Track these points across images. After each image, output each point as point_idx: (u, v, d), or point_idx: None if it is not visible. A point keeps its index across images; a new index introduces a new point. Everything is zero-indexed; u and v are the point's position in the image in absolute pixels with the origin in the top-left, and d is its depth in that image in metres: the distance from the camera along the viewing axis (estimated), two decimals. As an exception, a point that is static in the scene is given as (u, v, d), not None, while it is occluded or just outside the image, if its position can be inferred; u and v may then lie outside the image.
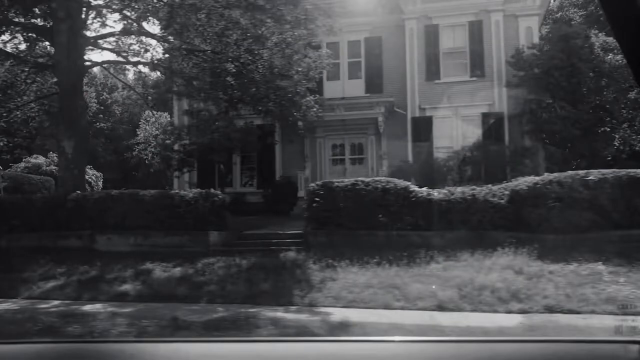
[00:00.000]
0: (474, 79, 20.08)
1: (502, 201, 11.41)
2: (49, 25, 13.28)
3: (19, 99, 14.81)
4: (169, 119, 22.11)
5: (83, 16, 13.28)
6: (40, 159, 37.33)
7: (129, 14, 12.99)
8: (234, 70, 12.90)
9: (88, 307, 8.88)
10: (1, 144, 20.01)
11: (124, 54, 15.35)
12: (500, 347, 1.78)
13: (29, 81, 13.90)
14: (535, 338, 2.41)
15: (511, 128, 19.63)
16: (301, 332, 6.92)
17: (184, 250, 12.24)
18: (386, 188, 11.83)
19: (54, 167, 35.85)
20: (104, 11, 13.32)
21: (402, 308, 8.39)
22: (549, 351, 1.72)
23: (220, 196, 12.98)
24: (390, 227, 11.67)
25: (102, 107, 41.90)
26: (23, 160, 37.00)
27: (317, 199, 12.18)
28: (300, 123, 20.75)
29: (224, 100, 13.68)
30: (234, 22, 12.58)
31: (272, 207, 19.82)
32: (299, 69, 13.75)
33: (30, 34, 13.62)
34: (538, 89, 18.27)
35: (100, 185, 39.82)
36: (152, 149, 25.06)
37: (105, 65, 17.42)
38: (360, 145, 21.75)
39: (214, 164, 21.68)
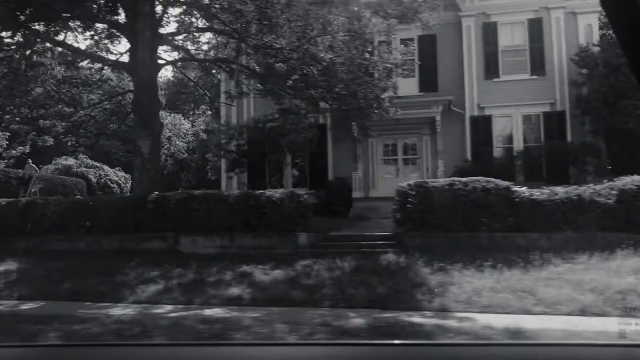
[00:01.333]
0: (534, 77, 19.69)
1: (609, 201, 11.01)
2: (125, 22, 12.92)
3: (92, 98, 14.44)
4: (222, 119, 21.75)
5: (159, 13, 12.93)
6: (70, 161, 37.07)
7: (213, 11, 12.57)
8: (318, 68, 12.52)
9: (209, 312, 8.50)
10: (69, 143, 19.57)
11: (195, 52, 14.95)
12: (503, 351, 1.75)
13: (102, 80, 13.50)
14: (539, 342, 2.48)
15: (573, 127, 19.22)
16: (472, 339, 6.54)
17: (272, 252, 11.86)
18: (486, 188, 11.45)
19: (84, 169, 35.64)
20: (185, 8, 12.90)
21: (544, 313, 8.00)
22: (553, 355, 1.69)
23: (305, 197, 12.61)
24: (492, 228, 11.28)
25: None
26: (53, 162, 36.76)
27: (410, 199, 11.80)
28: (353, 123, 20.49)
29: (305, 99, 13.25)
30: (320, 18, 12.23)
31: (328, 209, 19.38)
32: (386, 65, 13.40)
33: (111, 30, 13.24)
34: (604, 88, 17.87)
35: (129, 187, 39.58)
36: (203, 149, 24.66)
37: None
38: (413, 145, 21.36)
39: (265, 165, 21.34)
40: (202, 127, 35.79)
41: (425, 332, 6.89)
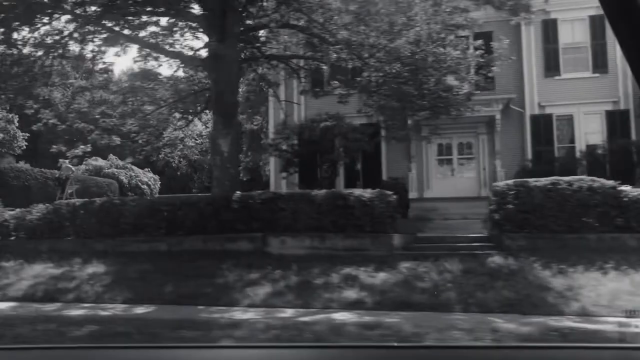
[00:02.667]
0: (597, 75, 19.28)
1: None
2: (205, 16, 12.51)
3: (173, 97, 14.04)
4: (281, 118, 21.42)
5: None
6: (101, 162, 36.79)
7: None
8: (406, 63, 12.14)
9: (338, 316, 8.12)
10: (140, 140, 19.20)
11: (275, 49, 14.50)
12: (502, 354, 1.73)
13: (185, 77, 13.08)
14: (538, 344, 2.44)
15: (638, 126, 18.82)
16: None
17: (366, 254, 11.47)
18: (592, 187, 11.04)
19: (115, 170, 35.35)
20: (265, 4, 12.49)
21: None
22: (553, 357, 1.68)
23: (393, 197, 12.23)
24: (598, 229, 10.87)
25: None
26: (84, 162, 36.49)
27: (510, 199, 11.40)
28: (409, 121, 20.11)
29: (399, 96, 12.86)
30: (404, 9, 11.86)
31: (385, 209, 19.05)
32: (478, 61, 13.04)
33: (188, 24, 12.84)
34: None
35: (158, 188, 39.30)
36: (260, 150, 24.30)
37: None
38: (468, 145, 20.95)
39: (316, 165, 20.95)
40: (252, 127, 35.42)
41: (610, 338, 6.49)
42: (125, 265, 11.40)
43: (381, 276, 10.11)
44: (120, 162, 37.22)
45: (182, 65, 13.68)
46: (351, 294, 9.27)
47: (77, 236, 13.18)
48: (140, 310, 8.88)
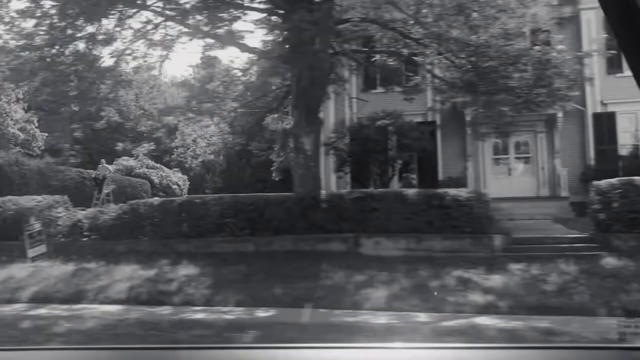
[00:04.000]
0: (661, 72, 18.82)
1: None
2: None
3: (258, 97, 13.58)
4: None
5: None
6: (131, 161, 36.47)
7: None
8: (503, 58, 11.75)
9: (483, 320, 7.71)
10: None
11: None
12: (502, 354, 1.74)
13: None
14: (538, 345, 2.55)
15: None
16: None
17: (466, 255, 11.10)
18: None
19: (145, 170, 35.01)
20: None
21: None
22: (553, 358, 1.64)
23: (489, 196, 11.84)
24: None
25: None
26: (114, 162, 36.16)
27: (616, 198, 11.00)
28: (467, 119, 19.74)
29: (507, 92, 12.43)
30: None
31: (444, 209, 18.66)
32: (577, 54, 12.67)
33: (269, 17, 12.43)
34: None
35: (187, 188, 38.95)
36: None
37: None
38: (525, 144, 20.54)
39: (369, 164, 20.54)
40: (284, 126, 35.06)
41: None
42: (218, 267, 11.03)
43: (496, 279, 9.71)
44: (151, 162, 36.86)
45: (259, 60, 13.23)
46: (477, 297, 8.86)
47: (155, 237, 12.80)
48: (262, 313, 8.49)
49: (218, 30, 12.80)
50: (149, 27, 12.24)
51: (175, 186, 35.56)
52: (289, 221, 12.05)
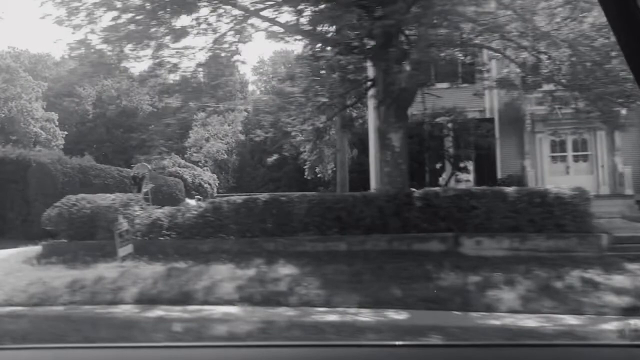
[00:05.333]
0: None
1: None
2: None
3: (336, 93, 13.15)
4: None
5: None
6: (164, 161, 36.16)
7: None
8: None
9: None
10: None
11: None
12: (503, 352, 1.69)
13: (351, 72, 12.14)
14: (539, 342, 2.68)
15: None
16: None
17: (573, 255, 10.74)
18: None
19: (178, 169, 34.68)
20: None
21: None
22: (553, 355, 1.62)
23: (591, 195, 11.46)
24: None
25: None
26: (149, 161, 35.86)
27: None
28: (527, 114, 19.38)
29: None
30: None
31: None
32: None
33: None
34: None
35: (217, 187, 38.60)
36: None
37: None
38: (584, 141, 20.15)
39: (423, 162, 20.16)
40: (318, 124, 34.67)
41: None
42: (318, 266, 10.67)
43: (620, 279, 9.35)
44: (182, 161, 36.54)
45: (344, 54, 12.78)
46: (612, 298, 8.48)
47: (239, 235, 12.45)
48: (395, 315, 8.10)
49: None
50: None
51: (206, 185, 35.25)
52: (381, 220, 11.68)
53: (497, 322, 7.62)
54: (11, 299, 9.79)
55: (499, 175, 19.78)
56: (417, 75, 11.04)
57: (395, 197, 11.72)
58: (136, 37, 11.54)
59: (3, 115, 50.31)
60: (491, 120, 20.00)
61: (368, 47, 11.67)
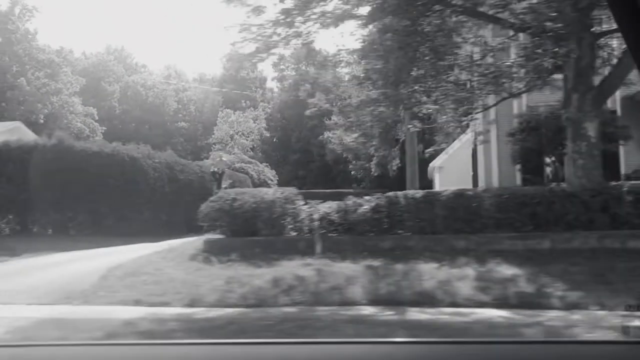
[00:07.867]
0: None
1: None
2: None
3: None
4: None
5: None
6: (225, 157, 35.55)
7: None
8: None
9: None
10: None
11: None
12: (503, 349, 1.72)
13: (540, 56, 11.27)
14: (539, 339, 2.74)
15: None
16: None
17: None
18: None
19: (243, 164, 33.98)
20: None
21: None
22: (554, 352, 1.63)
23: None
24: None
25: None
26: (210, 157, 35.16)
27: None
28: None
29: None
30: None
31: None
32: None
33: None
34: None
35: (276, 183, 37.94)
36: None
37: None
38: None
39: (540, 157, 19.31)
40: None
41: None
42: (539, 266, 9.83)
43: None
44: (246, 157, 35.82)
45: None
46: None
47: (420, 232, 11.65)
48: None
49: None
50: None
51: (270, 181, 34.61)
52: (586, 215, 10.85)
53: None
54: (223, 299, 9.02)
55: (623, 170, 18.92)
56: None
57: (602, 192, 10.89)
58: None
59: (47, 111, 49.82)
60: (614, 112, 19.13)
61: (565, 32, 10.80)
